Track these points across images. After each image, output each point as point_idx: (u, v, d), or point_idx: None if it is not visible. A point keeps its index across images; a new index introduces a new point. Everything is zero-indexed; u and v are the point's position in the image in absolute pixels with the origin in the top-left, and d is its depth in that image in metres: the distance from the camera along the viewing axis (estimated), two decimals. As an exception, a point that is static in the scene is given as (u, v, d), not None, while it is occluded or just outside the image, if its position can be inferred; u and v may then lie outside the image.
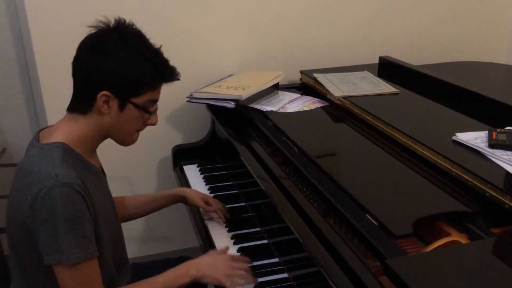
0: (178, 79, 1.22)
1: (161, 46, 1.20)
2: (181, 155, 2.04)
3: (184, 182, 1.89)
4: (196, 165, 1.99)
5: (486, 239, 1.05)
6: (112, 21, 1.17)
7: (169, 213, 2.12)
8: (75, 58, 1.19)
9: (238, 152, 1.61)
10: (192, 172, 1.94)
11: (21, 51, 2.15)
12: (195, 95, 1.90)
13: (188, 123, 2.19)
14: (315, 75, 2.00)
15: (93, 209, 1.14)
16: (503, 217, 1.10)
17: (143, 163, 2.19)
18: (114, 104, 1.15)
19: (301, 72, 2.11)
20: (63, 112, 2.00)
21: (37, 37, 1.91)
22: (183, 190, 1.64)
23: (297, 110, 1.80)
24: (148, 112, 1.20)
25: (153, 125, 1.23)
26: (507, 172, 1.20)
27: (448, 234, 1.08)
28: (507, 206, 1.09)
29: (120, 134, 1.21)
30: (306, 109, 1.81)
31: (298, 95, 1.95)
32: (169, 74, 1.19)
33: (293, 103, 1.86)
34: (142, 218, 2.21)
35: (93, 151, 1.24)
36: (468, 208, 1.14)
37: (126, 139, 1.23)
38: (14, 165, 2.13)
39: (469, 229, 1.09)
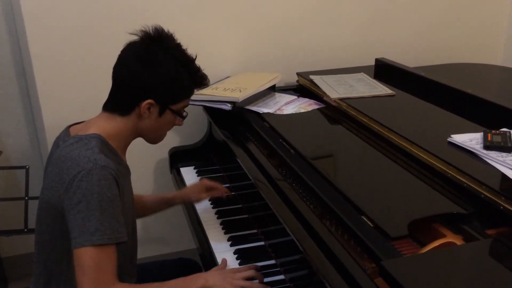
0: (208, 86, 1.34)
1: (196, 56, 1.29)
2: (178, 157, 2.04)
3: (181, 184, 1.89)
4: (193, 167, 1.99)
5: (482, 241, 1.06)
6: (152, 30, 1.24)
7: (166, 215, 2.12)
8: (120, 65, 1.25)
9: (234, 154, 1.61)
10: (189, 174, 1.95)
11: (17, 53, 2.14)
12: (191, 97, 1.90)
13: (185, 125, 2.16)
14: (312, 77, 2.01)
15: (122, 200, 1.19)
16: (498, 219, 1.10)
17: (140, 165, 2.19)
18: (155, 110, 1.25)
19: (297, 74, 2.12)
20: (60, 114, 2.01)
21: (34, 39, 1.91)
22: (185, 195, 1.68)
23: (294, 112, 1.81)
24: (182, 116, 1.32)
25: (180, 126, 1.36)
26: (502, 174, 1.20)
27: (444, 236, 1.09)
28: (502, 207, 1.09)
29: (153, 135, 1.32)
30: (302, 110, 1.82)
31: (295, 97, 1.95)
32: (202, 81, 1.31)
33: (289, 105, 1.86)
34: (139, 220, 2.21)
35: (124, 148, 1.31)
36: (464, 209, 1.14)
37: (158, 139, 1.35)
38: (10, 168, 2.13)
39: (465, 231, 1.09)
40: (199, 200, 1.67)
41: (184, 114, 1.33)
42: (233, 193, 1.70)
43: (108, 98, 1.28)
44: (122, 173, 1.23)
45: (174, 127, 2.20)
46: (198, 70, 1.29)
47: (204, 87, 1.34)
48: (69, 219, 1.12)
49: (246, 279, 1.25)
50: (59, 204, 1.15)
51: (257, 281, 1.27)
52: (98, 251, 1.10)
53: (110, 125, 1.24)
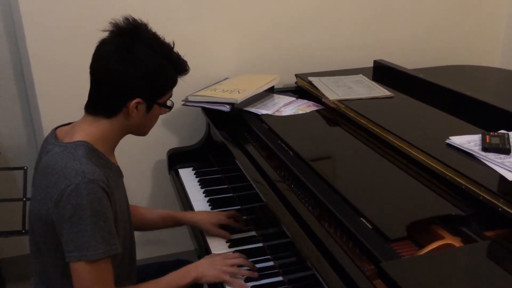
0: (188, 71, 1.29)
1: (174, 43, 1.25)
2: (176, 159, 2.04)
3: (180, 186, 1.89)
4: (191, 168, 1.99)
5: (480, 242, 1.06)
6: (123, 22, 1.19)
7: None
8: (99, 65, 1.20)
9: (233, 156, 1.61)
10: (188, 175, 1.94)
11: (16, 54, 2.14)
12: (190, 98, 1.90)
13: (184, 126, 2.19)
14: (310, 78, 2.01)
15: (114, 207, 1.17)
16: (496, 220, 1.11)
17: (138, 166, 2.19)
18: (143, 107, 1.21)
19: (296, 75, 2.12)
20: (58, 115, 2.01)
21: (32, 40, 1.91)
22: (195, 221, 1.56)
23: (292, 113, 1.81)
24: (169, 107, 1.28)
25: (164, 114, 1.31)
26: (500, 175, 1.20)
27: (442, 237, 1.09)
28: (500, 209, 1.10)
29: (142, 130, 1.29)
30: (301, 112, 1.82)
31: (293, 98, 1.95)
32: (184, 68, 1.26)
33: (288, 106, 1.87)
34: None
35: (113, 150, 1.28)
36: (462, 211, 1.14)
37: (146, 132, 1.31)
38: (8, 169, 2.13)
39: (463, 232, 1.10)
40: (208, 232, 1.54)
41: (169, 104, 1.29)
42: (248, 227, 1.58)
43: (89, 100, 1.22)
44: (112, 178, 1.20)
45: (173, 129, 2.21)
46: (178, 57, 1.24)
47: (186, 73, 1.27)
48: (62, 233, 1.10)
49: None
50: (49, 216, 1.13)
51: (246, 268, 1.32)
52: (95, 265, 1.10)
53: (96, 129, 1.19)
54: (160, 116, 2.23)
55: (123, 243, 1.24)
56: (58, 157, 1.14)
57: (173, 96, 2.03)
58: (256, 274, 1.31)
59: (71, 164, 1.11)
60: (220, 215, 1.56)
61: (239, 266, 1.33)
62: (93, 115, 1.21)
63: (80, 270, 1.10)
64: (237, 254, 1.37)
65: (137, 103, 1.18)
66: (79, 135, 1.18)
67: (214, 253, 1.42)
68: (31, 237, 1.25)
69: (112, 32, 1.19)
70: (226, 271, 1.29)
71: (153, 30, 1.22)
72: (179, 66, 1.24)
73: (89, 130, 1.19)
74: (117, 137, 1.25)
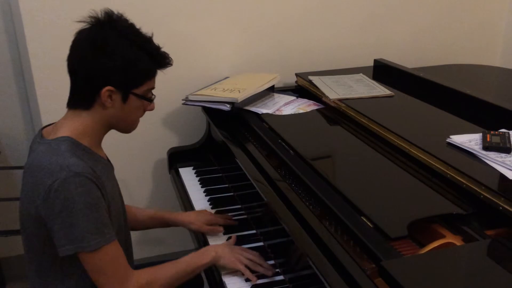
0: (171, 65, 1.27)
1: (152, 34, 1.23)
2: (177, 158, 2.04)
3: (180, 185, 1.89)
4: (191, 167, 1.99)
5: (481, 241, 1.06)
6: (101, 14, 1.19)
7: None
8: (73, 56, 1.21)
9: (233, 155, 1.61)
10: (188, 174, 1.94)
11: (15, 53, 2.14)
12: (190, 97, 1.90)
13: (184, 126, 2.19)
14: (311, 77, 2.01)
15: (107, 199, 1.17)
16: (497, 219, 1.11)
17: (138, 165, 2.19)
18: (117, 97, 1.19)
19: (296, 74, 2.12)
20: (58, 114, 2.00)
21: (32, 39, 1.91)
22: (184, 222, 1.57)
23: (293, 113, 1.81)
24: (149, 100, 1.25)
25: (151, 110, 1.29)
26: (501, 174, 1.20)
27: (443, 236, 1.09)
28: (501, 208, 1.10)
29: (124, 124, 1.26)
30: (301, 111, 1.82)
31: (294, 97, 1.95)
32: (163, 60, 1.24)
33: (288, 106, 1.87)
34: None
35: (98, 143, 1.27)
36: (463, 210, 1.14)
37: (130, 128, 1.29)
38: (8, 168, 2.13)
39: (464, 231, 1.10)
40: (200, 231, 1.56)
41: (152, 97, 1.27)
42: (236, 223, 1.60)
43: (69, 95, 1.22)
44: (102, 171, 1.20)
45: (173, 128, 2.19)
46: (157, 49, 1.22)
47: (168, 66, 1.25)
48: (53, 229, 1.10)
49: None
50: (38, 214, 1.13)
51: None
52: (98, 255, 1.11)
53: (78, 123, 1.19)
54: (160, 115, 2.23)
55: (118, 237, 1.23)
56: (42, 155, 1.14)
57: (173, 95, 2.04)
58: (270, 273, 1.32)
59: (55, 159, 1.11)
60: (209, 215, 1.57)
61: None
62: (73, 109, 1.21)
63: (88, 261, 1.12)
64: (255, 252, 1.38)
65: (109, 91, 1.17)
66: (62, 131, 1.18)
67: (230, 242, 1.44)
68: (23, 237, 1.24)
69: (89, 24, 1.20)
70: (242, 262, 1.32)
71: (130, 21, 1.22)
72: (157, 58, 1.23)
73: (71, 125, 1.19)
74: (100, 130, 1.24)
